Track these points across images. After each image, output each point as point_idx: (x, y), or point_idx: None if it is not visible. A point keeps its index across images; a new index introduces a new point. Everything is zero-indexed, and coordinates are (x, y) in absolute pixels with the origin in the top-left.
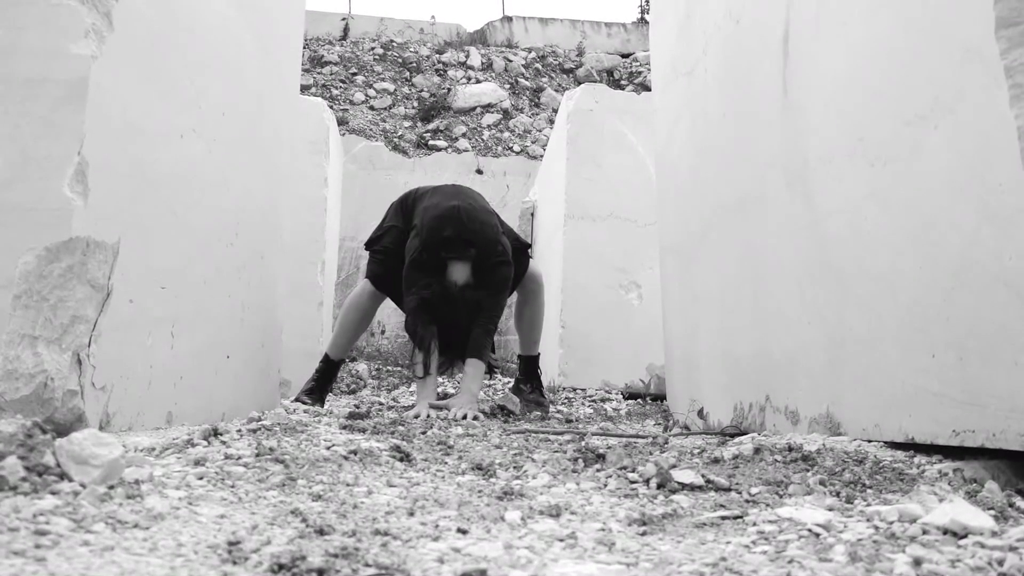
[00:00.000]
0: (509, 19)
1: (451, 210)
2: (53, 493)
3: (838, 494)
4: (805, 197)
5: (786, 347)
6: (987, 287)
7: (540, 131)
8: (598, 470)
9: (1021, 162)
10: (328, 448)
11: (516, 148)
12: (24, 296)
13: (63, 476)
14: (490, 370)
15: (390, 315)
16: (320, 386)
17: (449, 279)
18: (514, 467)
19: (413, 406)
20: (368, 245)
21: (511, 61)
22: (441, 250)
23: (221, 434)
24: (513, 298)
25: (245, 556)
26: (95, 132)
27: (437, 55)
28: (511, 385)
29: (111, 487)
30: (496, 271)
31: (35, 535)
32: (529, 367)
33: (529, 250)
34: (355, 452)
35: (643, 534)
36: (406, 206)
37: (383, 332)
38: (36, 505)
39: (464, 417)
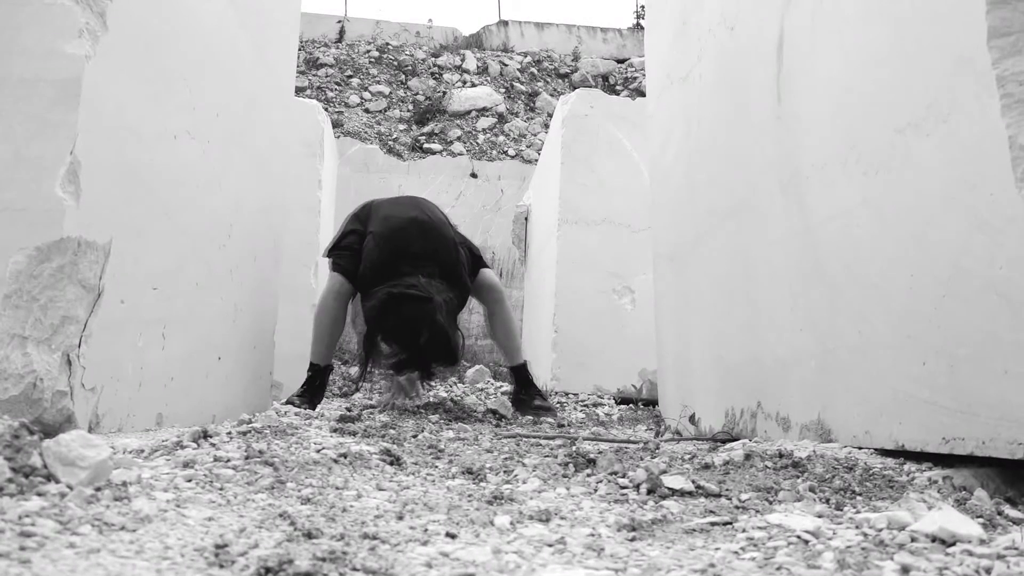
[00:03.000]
0: (505, 23)
1: (411, 222)
2: (39, 495)
3: (828, 501)
4: (798, 204)
5: (778, 354)
6: (978, 295)
7: (535, 135)
8: (589, 475)
9: (1012, 171)
10: (318, 451)
11: (511, 152)
12: (14, 296)
13: (50, 477)
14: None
15: None
16: (311, 392)
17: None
18: (504, 471)
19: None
20: (329, 251)
21: (507, 65)
22: (401, 261)
23: (211, 436)
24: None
25: (232, 559)
26: (88, 132)
27: (433, 58)
28: (511, 397)
29: (98, 489)
30: (458, 273)
31: (20, 537)
32: (521, 375)
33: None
34: (345, 455)
35: (632, 540)
36: (362, 217)
37: None
38: (22, 506)
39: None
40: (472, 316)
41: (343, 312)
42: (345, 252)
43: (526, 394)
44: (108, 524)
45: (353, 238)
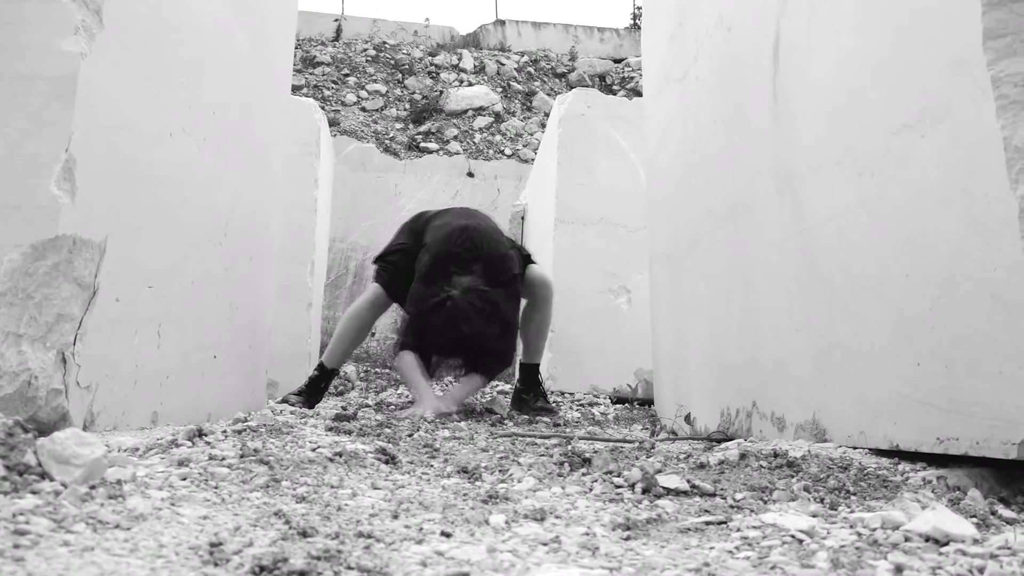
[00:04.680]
0: (502, 23)
1: (461, 229)
2: (34, 492)
3: (822, 500)
4: (794, 205)
5: (774, 354)
6: (973, 297)
7: (532, 135)
8: (584, 474)
9: (1007, 173)
10: (313, 450)
11: (507, 151)
12: (9, 294)
13: (44, 475)
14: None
15: (381, 318)
16: (310, 391)
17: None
18: (500, 470)
19: (409, 407)
20: (377, 260)
21: (503, 64)
22: (450, 264)
23: (206, 435)
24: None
25: (227, 558)
26: (84, 130)
27: (430, 57)
28: (513, 395)
29: (93, 487)
30: (507, 284)
31: (14, 535)
32: (530, 374)
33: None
34: (340, 454)
35: (627, 539)
36: (416, 227)
37: (373, 335)
38: (16, 504)
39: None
40: None
41: (371, 322)
42: (389, 267)
43: (529, 394)
44: (102, 522)
45: (399, 255)
